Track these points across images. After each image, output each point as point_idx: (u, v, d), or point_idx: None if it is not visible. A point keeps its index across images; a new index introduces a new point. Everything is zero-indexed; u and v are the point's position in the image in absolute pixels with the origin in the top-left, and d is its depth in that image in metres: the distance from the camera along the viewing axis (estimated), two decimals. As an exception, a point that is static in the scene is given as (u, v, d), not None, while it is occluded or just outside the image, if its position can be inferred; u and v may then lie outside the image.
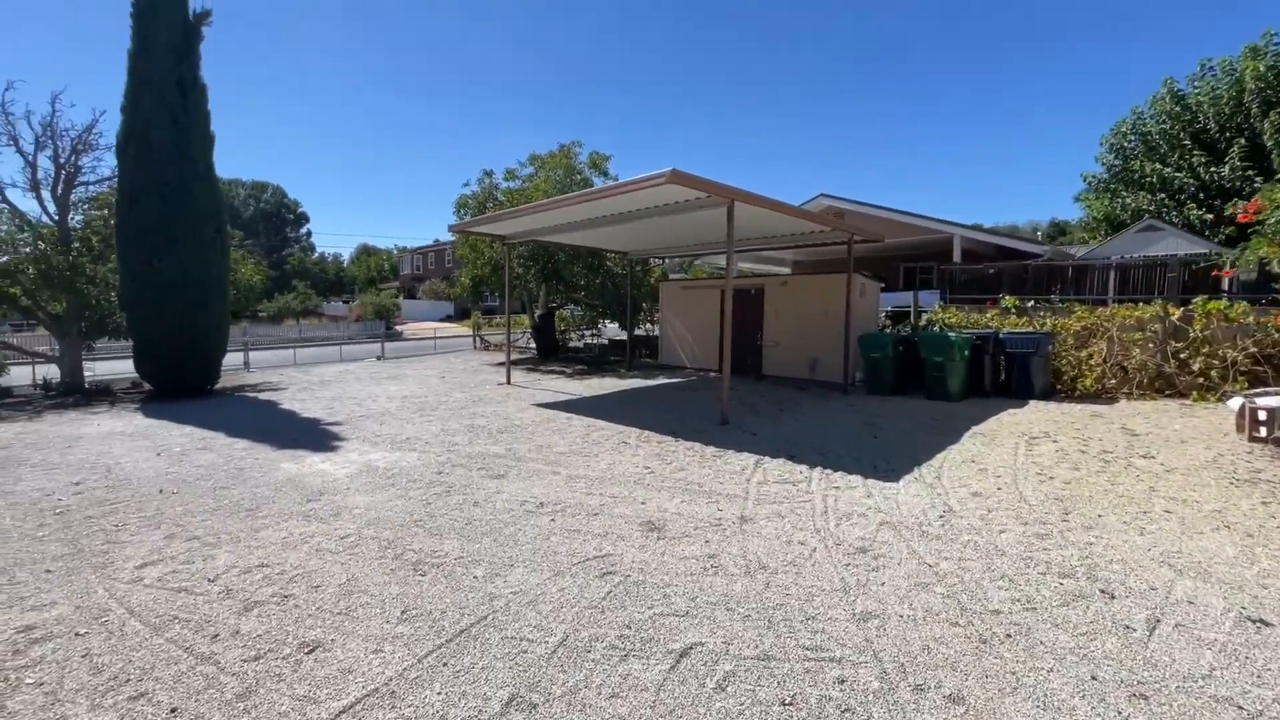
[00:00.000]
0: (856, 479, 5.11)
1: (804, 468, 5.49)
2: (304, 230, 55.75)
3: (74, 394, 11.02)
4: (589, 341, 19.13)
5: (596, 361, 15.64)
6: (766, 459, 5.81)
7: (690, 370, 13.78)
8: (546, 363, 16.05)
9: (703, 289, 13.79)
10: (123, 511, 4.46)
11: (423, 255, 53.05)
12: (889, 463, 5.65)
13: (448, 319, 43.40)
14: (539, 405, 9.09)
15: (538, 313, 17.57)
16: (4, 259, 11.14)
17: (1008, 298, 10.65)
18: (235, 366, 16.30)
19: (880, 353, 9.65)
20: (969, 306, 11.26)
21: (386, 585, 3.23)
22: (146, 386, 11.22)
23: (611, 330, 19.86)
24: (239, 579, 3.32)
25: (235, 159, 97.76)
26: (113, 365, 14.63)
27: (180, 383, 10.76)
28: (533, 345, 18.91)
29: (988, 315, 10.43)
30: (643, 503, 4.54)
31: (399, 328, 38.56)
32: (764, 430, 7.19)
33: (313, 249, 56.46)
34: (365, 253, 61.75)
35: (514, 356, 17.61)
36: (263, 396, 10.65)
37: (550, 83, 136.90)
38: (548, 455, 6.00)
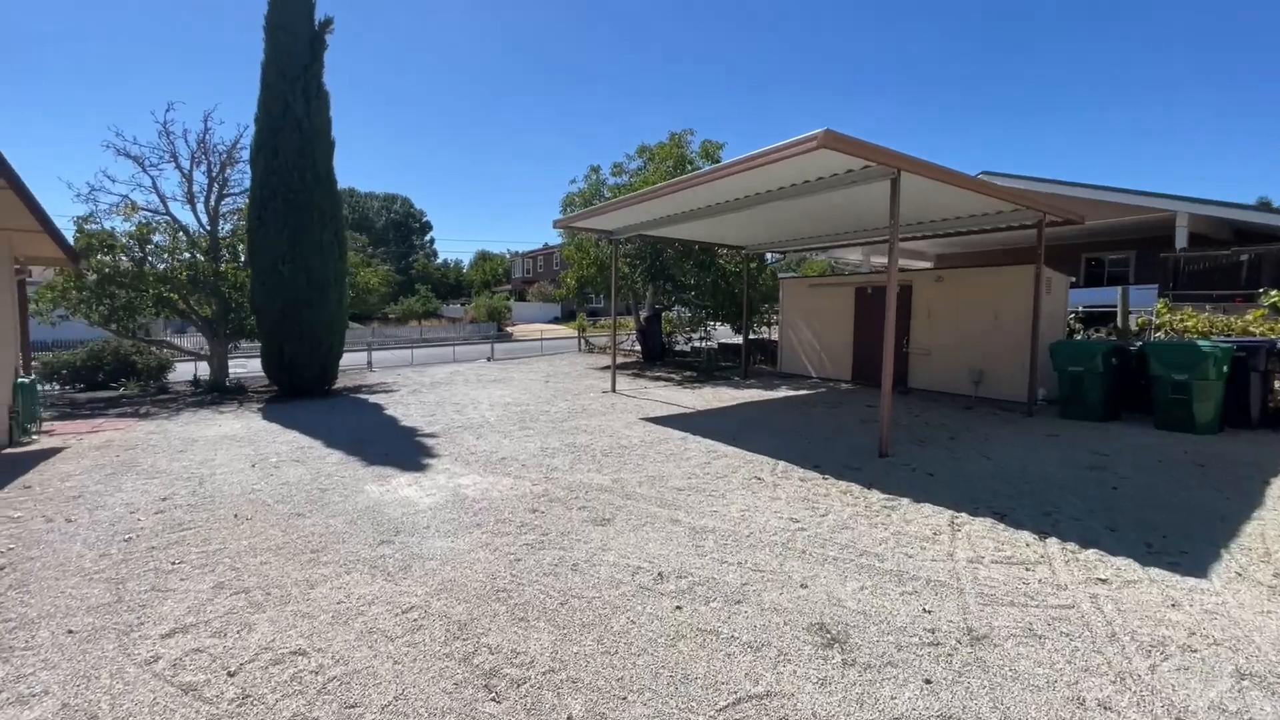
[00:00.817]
0: (1128, 564, 3.39)
1: (1029, 536, 3.82)
2: (428, 238, 60.07)
3: (215, 391, 11.69)
4: (697, 345, 17.88)
5: (707, 368, 14.35)
6: (964, 516, 4.20)
7: (816, 380, 12.05)
8: (652, 368, 15.03)
9: (833, 287, 12.00)
10: (189, 542, 3.91)
11: (532, 259, 54.80)
12: (1166, 536, 3.81)
13: (555, 321, 44.25)
14: (647, 420, 7.99)
15: (643, 314, 16.64)
16: (162, 266, 12.09)
17: (1277, 293, 7.87)
18: (359, 366, 17.05)
19: (1085, 366, 7.43)
20: (1210, 306, 8.54)
21: (444, 718, 2.19)
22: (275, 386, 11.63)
23: (722, 333, 18.46)
24: (264, 675, 2.45)
25: (368, 171, 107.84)
26: (259, 364, 15.67)
27: (299, 383, 11.01)
28: (638, 348, 18.02)
29: (1249, 317, 7.73)
30: (803, 585, 3.20)
31: (509, 329, 39.83)
32: (941, 468, 5.50)
33: (435, 255, 60.64)
34: (482, 258, 65.08)
35: (619, 360, 16.83)
36: (372, 399, 10.57)
37: (667, 78, 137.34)
38: (662, 492, 4.83)
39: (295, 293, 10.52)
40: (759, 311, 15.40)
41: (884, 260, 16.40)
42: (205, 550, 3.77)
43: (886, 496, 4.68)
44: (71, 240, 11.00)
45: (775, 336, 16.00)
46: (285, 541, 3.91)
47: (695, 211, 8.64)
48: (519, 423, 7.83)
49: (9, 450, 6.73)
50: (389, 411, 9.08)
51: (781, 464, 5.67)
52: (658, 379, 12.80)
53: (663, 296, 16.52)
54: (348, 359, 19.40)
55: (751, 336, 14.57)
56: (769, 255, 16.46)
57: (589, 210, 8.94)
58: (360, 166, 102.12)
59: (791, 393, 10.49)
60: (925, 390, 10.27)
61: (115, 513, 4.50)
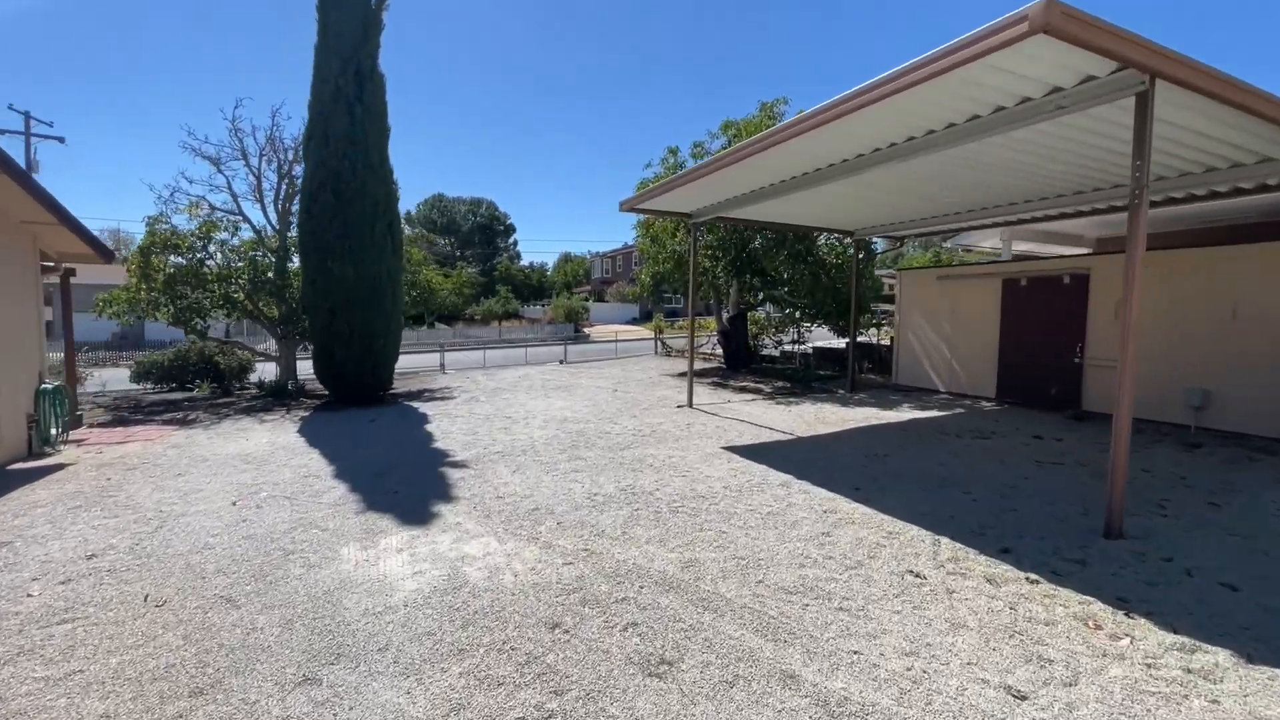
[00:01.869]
0: None
1: None
2: (511, 240, 61.07)
3: (274, 395, 11.19)
4: (788, 349, 15.71)
5: (803, 377, 12.20)
6: (1398, 724, 2.07)
7: (945, 396, 9.62)
8: (737, 375, 13.08)
9: (970, 279, 9.53)
10: (46, 651, 2.63)
11: (610, 259, 54.05)
12: None
13: (633, 321, 43.10)
14: (732, 450, 6.17)
15: (726, 314, 14.74)
16: (227, 265, 11.80)
17: None
18: (432, 368, 16.48)
19: None
20: None
21: None
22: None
23: (817, 335, 16.14)
24: None
25: (459, 177, 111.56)
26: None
27: (350, 389, 10.17)
28: (719, 352, 16.12)
29: None
30: None
31: (586, 330, 39.10)
32: (1240, 571, 3.27)
33: (519, 257, 61.54)
34: (565, 260, 65.60)
35: (698, 365, 15.03)
36: (423, 408, 9.52)
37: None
38: (760, 597, 3.02)
39: (345, 291, 9.66)
40: (867, 310, 13.05)
41: (1029, 247, 13.36)
42: (50, 675, 2.46)
43: (1173, 637, 2.60)
44: (141, 239, 10.93)
45: (884, 340, 13.56)
46: (174, 661, 2.53)
47: (795, 181, 6.70)
48: (570, 449, 6.28)
49: (17, 465, 6.09)
50: (431, 426, 7.89)
51: (945, 542, 3.68)
52: (743, 390, 10.88)
53: (749, 294, 14.53)
54: (421, 360, 19.09)
55: (858, 340, 12.24)
56: (876, 243, 13.99)
57: (663, 184, 7.23)
58: (450, 169, 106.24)
59: (919, 413, 8.22)
60: (1109, 415, 7.64)
61: (16, 578, 3.37)
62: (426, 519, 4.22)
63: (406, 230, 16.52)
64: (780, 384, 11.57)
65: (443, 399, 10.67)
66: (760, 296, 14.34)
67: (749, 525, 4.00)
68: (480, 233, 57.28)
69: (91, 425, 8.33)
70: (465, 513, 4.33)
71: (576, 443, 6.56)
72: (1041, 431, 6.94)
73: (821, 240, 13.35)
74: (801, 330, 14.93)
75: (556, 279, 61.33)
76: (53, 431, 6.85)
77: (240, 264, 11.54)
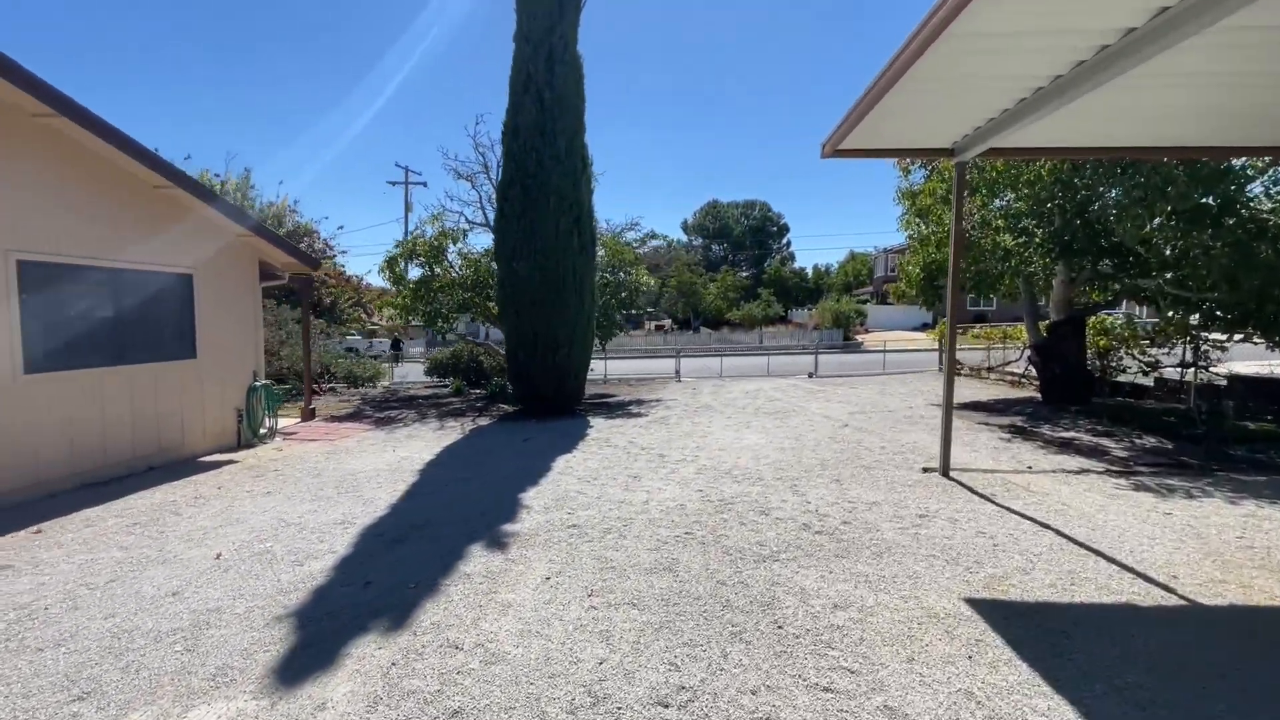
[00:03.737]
0: None
1: None
2: (784, 241, 58.22)
3: (490, 398, 11.44)
4: (1169, 376, 9.60)
5: (1201, 434, 6.79)
6: None
7: None
8: (1058, 418, 8.21)
9: None
10: None
11: (899, 254, 46.56)
12: None
13: (923, 327, 35.82)
14: (990, 618, 2.79)
15: (1048, 318, 9.66)
16: (463, 273, 12.59)
17: None
18: (666, 374, 15.65)
19: None
20: None
21: None
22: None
23: (1238, 354, 9.44)
24: None
25: (736, 183, 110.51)
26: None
27: (535, 397, 9.48)
28: (1033, 375, 10.90)
29: None
30: None
31: (859, 337, 33.99)
32: None
33: (791, 258, 58.25)
34: (850, 258, 60.09)
35: (995, 394, 10.16)
36: (592, 428, 8.34)
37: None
38: None
39: (529, 293, 9.00)
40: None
41: None
42: None
43: None
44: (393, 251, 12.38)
45: None
46: None
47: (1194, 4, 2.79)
48: (679, 540, 3.81)
49: (212, 456, 6.69)
50: (565, 458, 6.35)
51: None
52: (1064, 447, 6.42)
53: (1090, 287, 9.21)
54: (655, 365, 18.45)
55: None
56: None
57: (882, 76, 3.94)
58: (731, 177, 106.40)
59: None
60: None
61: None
62: (301, 677, 2.43)
63: (647, 237, 15.81)
64: (1147, 442, 6.57)
65: (631, 415, 9.27)
66: (1112, 289, 8.91)
67: None
68: (751, 235, 56.15)
69: (324, 418, 9.34)
70: (365, 679, 2.40)
71: (698, 527, 4.04)
72: None
73: (1257, 186, 7.44)
74: (1202, 345, 8.78)
75: (837, 280, 56.24)
76: (266, 423, 7.57)
77: (468, 270, 12.16)
